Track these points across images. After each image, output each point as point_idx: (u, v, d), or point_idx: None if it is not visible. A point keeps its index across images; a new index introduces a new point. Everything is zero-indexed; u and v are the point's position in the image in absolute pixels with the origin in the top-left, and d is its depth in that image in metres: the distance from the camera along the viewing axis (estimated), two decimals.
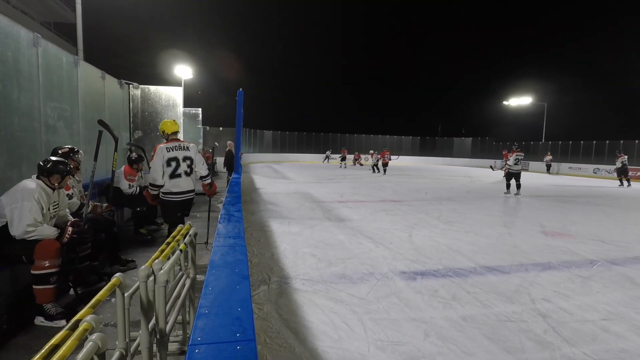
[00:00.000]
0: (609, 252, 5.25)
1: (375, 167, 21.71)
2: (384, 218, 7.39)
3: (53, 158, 3.11)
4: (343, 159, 27.24)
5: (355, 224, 6.73)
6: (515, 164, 11.39)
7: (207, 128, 24.10)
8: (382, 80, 68.81)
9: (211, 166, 17.31)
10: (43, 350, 0.89)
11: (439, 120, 55.74)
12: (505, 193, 11.86)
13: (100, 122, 3.91)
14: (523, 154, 11.73)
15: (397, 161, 32.67)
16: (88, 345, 0.91)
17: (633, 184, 16.94)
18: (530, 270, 4.35)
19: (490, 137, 38.05)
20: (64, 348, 0.88)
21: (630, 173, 16.65)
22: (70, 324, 1.01)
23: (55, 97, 4.12)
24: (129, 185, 5.39)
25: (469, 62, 63.14)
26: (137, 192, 5.42)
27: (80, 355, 0.88)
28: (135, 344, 1.57)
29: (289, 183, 14.33)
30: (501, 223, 7.32)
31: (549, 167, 25.04)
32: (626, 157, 16.21)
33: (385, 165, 20.38)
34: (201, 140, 11.21)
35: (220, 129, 26.64)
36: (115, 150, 4.30)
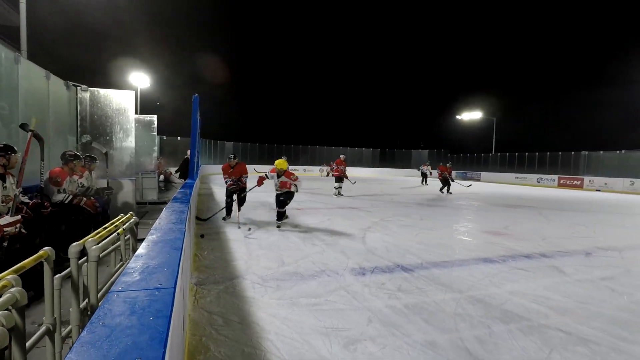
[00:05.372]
0: (540, 247, 5.72)
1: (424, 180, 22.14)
2: (341, 223, 7.54)
3: None
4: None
5: (312, 228, 6.82)
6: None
7: (164, 138, 23.44)
8: (341, 93, 70.31)
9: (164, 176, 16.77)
10: None
11: (398, 133, 57.68)
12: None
13: (22, 126, 3.75)
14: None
15: (358, 173, 33.38)
16: (5, 296, 0.94)
17: (569, 190, 18.57)
18: (471, 264, 4.64)
19: (446, 149, 39.86)
20: None
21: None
22: None
23: None
24: (57, 190, 4.41)
25: (426, 77, 66.16)
26: (67, 200, 4.45)
27: None
28: (67, 328, 1.56)
29: (249, 193, 14.17)
30: (450, 225, 7.71)
31: None
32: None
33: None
34: (156, 148, 10.91)
35: (178, 138, 25.98)
36: (42, 152, 4.13)
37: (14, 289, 0.98)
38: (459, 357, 2.40)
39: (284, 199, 6.82)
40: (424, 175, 22.88)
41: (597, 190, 21.37)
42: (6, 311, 0.88)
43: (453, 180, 16.74)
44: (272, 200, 7.34)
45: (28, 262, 1.26)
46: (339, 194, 13.18)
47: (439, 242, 5.91)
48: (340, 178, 13.26)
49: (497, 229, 7.25)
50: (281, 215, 6.86)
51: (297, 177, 6.79)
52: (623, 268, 4.67)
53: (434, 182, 23.63)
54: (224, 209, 7.54)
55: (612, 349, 2.57)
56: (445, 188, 15.86)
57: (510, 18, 54.22)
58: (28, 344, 1.34)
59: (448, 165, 16.72)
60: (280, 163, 6.74)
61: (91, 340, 0.69)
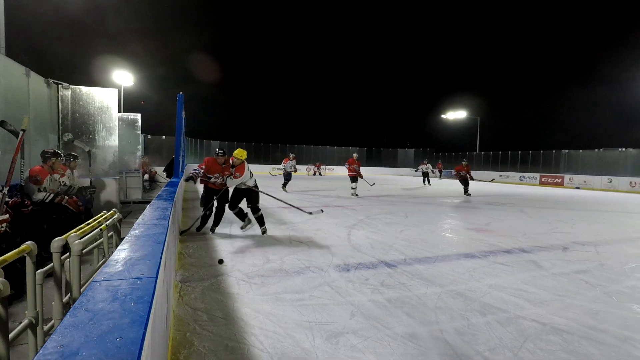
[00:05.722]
0: (520, 242, 5.88)
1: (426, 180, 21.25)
2: (327, 220, 7.60)
3: None
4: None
5: (298, 226, 6.86)
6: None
7: (149, 136, 23.12)
8: (328, 92, 70.44)
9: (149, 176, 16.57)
10: None
11: (384, 133, 58.18)
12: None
13: (1, 124, 3.73)
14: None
15: (346, 172, 33.33)
16: None
17: (550, 188, 19.02)
18: (453, 260, 4.76)
19: (431, 147, 40.36)
20: None
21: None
22: None
23: None
24: (38, 189, 4.38)
25: (411, 77, 66.77)
26: (48, 199, 4.41)
27: None
28: (50, 321, 1.57)
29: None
30: (434, 222, 7.85)
31: None
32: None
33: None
34: (140, 147, 10.79)
35: (163, 137, 25.66)
36: (22, 150, 4.07)
37: None
38: (438, 347, 2.48)
39: (255, 200, 6.01)
40: (425, 175, 21.41)
41: (576, 187, 21.97)
42: None
43: (472, 179, 14.66)
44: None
45: (10, 255, 1.28)
46: (355, 194, 12.51)
47: (422, 238, 6.02)
48: (355, 178, 12.54)
49: (479, 226, 7.42)
50: (262, 220, 6.07)
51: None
52: (597, 262, 4.85)
53: (435, 182, 23.98)
54: (199, 219, 6.07)
55: (583, 337, 2.69)
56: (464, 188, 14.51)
57: (493, 20, 55.20)
58: (11, 336, 1.35)
59: (464, 163, 14.68)
60: (242, 153, 5.87)
61: (74, 323, 0.73)
